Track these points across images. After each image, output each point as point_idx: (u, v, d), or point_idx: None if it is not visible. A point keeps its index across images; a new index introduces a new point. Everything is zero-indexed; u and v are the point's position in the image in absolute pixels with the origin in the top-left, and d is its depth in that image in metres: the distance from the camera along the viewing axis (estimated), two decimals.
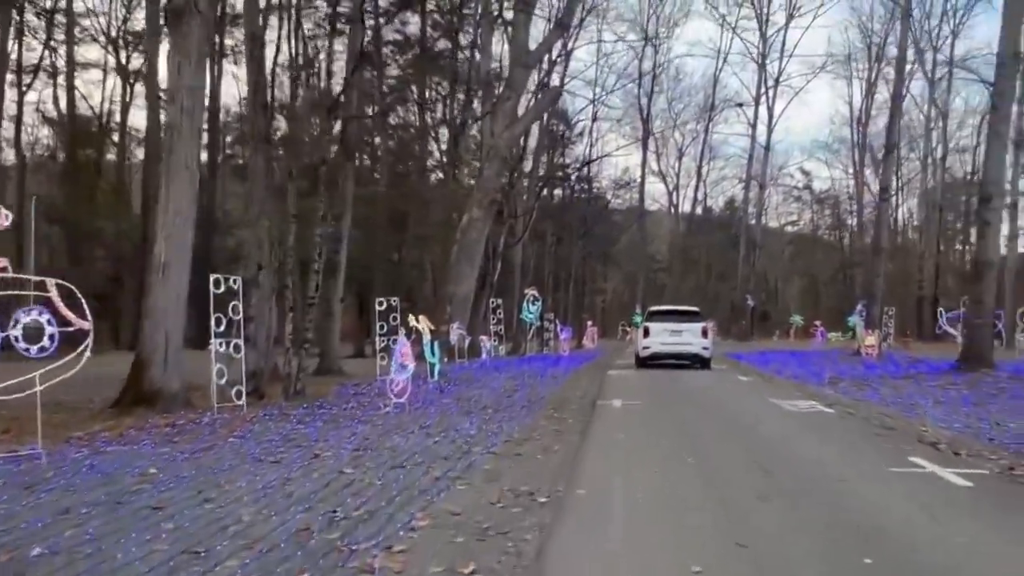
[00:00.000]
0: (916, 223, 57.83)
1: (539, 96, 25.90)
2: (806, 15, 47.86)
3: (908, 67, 30.69)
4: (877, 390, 13.37)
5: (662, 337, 20.14)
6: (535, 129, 35.77)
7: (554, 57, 26.97)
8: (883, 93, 52.41)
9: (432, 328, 15.15)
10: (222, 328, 10.06)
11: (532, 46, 23.11)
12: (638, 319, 49.00)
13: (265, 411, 10.16)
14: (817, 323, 40.81)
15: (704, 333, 20.37)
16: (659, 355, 20.15)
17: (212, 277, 10.08)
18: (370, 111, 25.09)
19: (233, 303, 10.27)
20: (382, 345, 14.55)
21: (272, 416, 9.68)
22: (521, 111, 22.66)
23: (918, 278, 46.74)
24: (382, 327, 17.86)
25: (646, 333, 20.56)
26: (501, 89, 22.20)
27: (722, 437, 8.19)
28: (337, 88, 20.74)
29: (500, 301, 26.34)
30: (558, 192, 54.06)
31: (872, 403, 11.38)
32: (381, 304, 16.71)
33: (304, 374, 13.18)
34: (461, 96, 27.48)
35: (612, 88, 39.38)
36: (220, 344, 10.19)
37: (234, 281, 10.49)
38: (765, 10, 47.81)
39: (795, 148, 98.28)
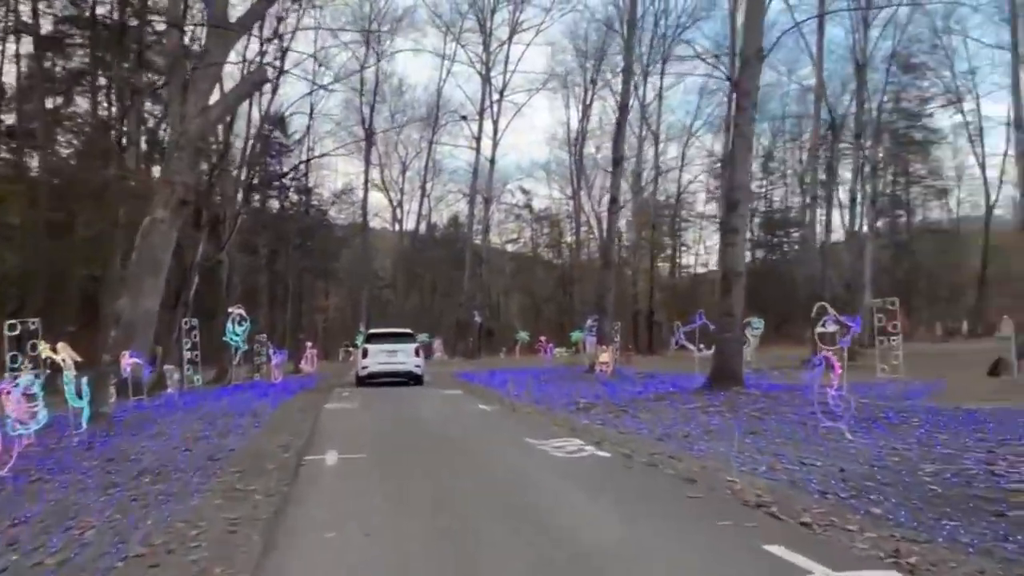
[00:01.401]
0: (626, 241, 60.94)
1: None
2: (529, 30, 47.44)
3: (634, 79, 30.94)
4: (637, 417, 11.64)
5: (379, 357, 21.46)
6: (243, 127, 31.70)
7: (266, 36, 23.36)
8: (605, 112, 54.49)
9: (78, 360, 11.23)
10: None
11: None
12: (361, 339, 46.26)
13: None
14: (543, 339, 40.51)
15: (417, 352, 21.92)
16: (376, 374, 21.29)
17: None
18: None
19: None
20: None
21: None
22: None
23: (632, 292, 48.43)
24: (15, 359, 13.54)
25: (364, 354, 21.85)
26: (193, 66, 18.27)
27: (487, 525, 5.54)
28: None
29: (196, 322, 22.11)
30: (275, 203, 49.89)
31: (644, 438, 9.46)
32: (14, 328, 12.51)
33: None
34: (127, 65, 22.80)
35: (331, 83, 36.06)
36: None
37: None
38: (489, 23, 47.29)
39: (515, 166, 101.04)
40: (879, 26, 31.93)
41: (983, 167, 52.45)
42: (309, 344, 37.52)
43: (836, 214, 34.70)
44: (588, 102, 53.71)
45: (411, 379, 21.22)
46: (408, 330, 24.00)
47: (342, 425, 11.72)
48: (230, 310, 25.03)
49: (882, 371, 16.68)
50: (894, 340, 16.57)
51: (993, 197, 53.08)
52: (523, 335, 44.55)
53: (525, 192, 63.69)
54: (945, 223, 60.69)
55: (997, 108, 75.15)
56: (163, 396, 17.33)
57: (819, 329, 14.29)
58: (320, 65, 31.75)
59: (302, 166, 42.09)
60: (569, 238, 61.17)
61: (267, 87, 32.74)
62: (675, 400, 13.21)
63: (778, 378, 18.96)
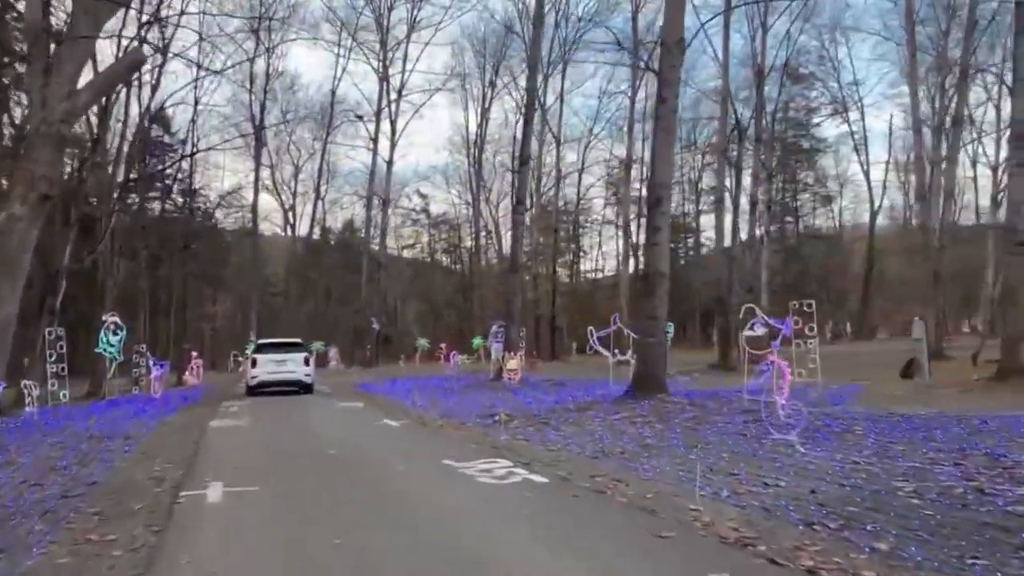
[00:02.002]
0: (527, 246, 60.37)
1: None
2: (427, 29, 46.16)
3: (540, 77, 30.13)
4: (561, 430, 10.67)
5: (268, 367, 21.67)
6: (121, 121, 29.20)
7: (146, 17, 21.33)
8: (505, 116, 53.79)
9: None
10: None
11: None
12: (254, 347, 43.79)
13: None
14: (443, 346, 39.29)
15: (306, 362, 22.23)
16: (266, 383, 21.47)
17: None
18: None
19: None
20: None
21: None
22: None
23: (534, 297, 47.79)
24: None
25: (254, 364, 21.97)
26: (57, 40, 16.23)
27: None
28: None
29: (63, 331, 19.91)
30: (158, 205, 46.79)
31: (577, 457, 8.47)
32: None
33: None
34: None
35: (219, 71, 33.75)
36: None
37: None
38: (386, 20, 45.72)
39: (413, 171, 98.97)
40: (773, 35, 32.31)
41: (867, 175, 54.52)
42: (194, 354, 35.16)
43: (730, 218, 34.89)
44: (487, 105, 52.97)
45: (301, 387, 21.79)
46: (298, 340, 24.22)
47: (230, 448, 10.25)
48: (104, 318, 22.83)
49: (799, 375, 16.31)
50: (811, 343, 16.22)
51: (877, 204, 55.15)
52: (423, 342, 43.20)
53: (423, 196, 62.38)
54: (828, 229, 62.95)
55: (880, 119, 78.54)
56: (20, 416, 15.30)
57: (747, 332, 13.83)
58: (206, 53, 29.51)
59: (185, 163, 39.26)
60: (469, 243, 60.14)
61: (148, 79, 30.44)
62: (598, 410, 12.30)
63: (690, 384, 18.45)
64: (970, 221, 51.34)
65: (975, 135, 41.75)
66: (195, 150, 36.99)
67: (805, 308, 16.66)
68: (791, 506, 5.63)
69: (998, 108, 42.88)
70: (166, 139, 49.42)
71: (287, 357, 21.92)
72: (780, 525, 5.17)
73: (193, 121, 38.62)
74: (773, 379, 8.70)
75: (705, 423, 10.54)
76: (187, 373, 31.96)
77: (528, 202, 28.07)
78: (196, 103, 38.01)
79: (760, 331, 12.45)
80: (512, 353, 21.38)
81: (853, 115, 53.68)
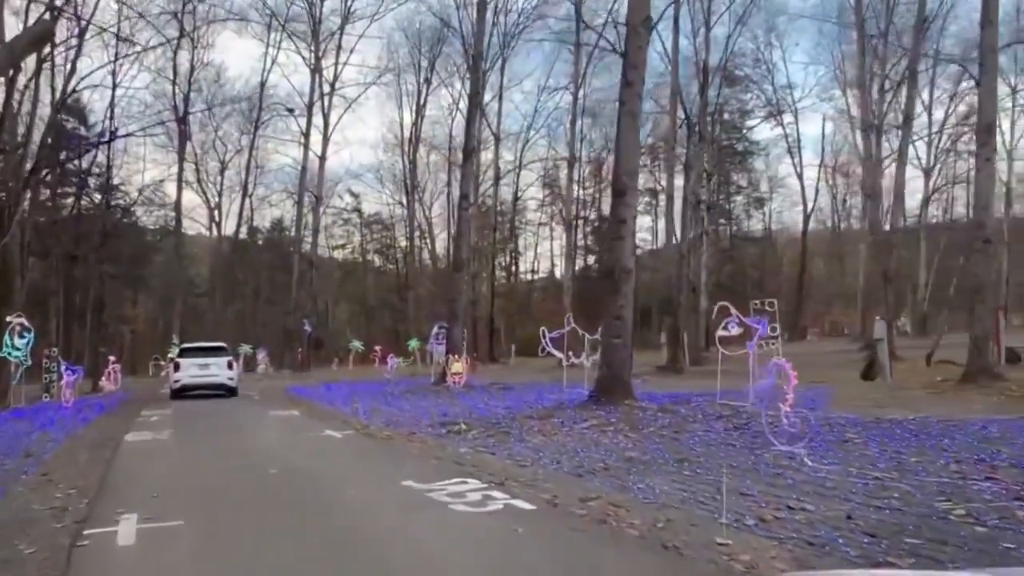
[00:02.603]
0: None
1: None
2: (361, 20, 44.50)
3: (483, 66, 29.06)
4: (527, 441, 9.62)
5: (191, 371, 21.64)
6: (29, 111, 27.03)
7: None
8: (441, 111, 52.44)
9: None
10: None
11: None
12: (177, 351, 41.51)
13: None
14: (378, 348, 37.92)
15: (230, 366, 22.36)
16: (189, 387, 21.45)
17: None
18: None
19: None
20: None
21: None
22: None
23: (471, 297, 46.62)
24: None
25: (176, 368, 22.02)
26: None
27: None
28: None
29: None
30: (73, 200, 43.99)
31: (555, 473, 7.43)
32: None
33: None
34: None
35: (140, 50, 31.62)
36: None
37: None
38: (319, 10, 43.85)
39: (345, 169, 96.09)
40: (714, 37, 31.93)
41: (801, 177, 55.07)
42: (112, 359, 32.88)
43: (677, 218, 34.45)
44: (423, 102, 51.52)
45: (226, 391, 21.72)
46: (221, 344, 24.35)
47: (148, 468, 8.88)
48: (9, 319, 20.88)
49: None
50: (773, 344, 15.55)
51: (810, 206, 55.80)
52: (357, 344, 41.61)
53: (354, 196, 60.45)
54: (759, 232, 63.55)
55: (812, 123, 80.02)
56: None
57: (721, 332, 13.04)
58: (126, 38, 27.55)
59: (102, 156, 36.95)
60: (403, 243, 58.56)
61: (62, 62, 28.34)
62: (562, 417, 11.29)
63: (642, 387, 17.61)
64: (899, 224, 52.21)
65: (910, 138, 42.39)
66: (112, 136, 34.53)
67: (767, 307, 16.01)
68: (837, 537, 4.70)
69: (930, 111, 43.75)
70: (83, 131, 46.78)
71: (211, 361, 22.01)
72: (838, 562, 4.23)
73: (112, 107, 36.20)
74: (776, 381, 7.78)
75: (684, 431, 9.65)
76: (104, 379, 29.80)
77: (471, 197, 26.88)
78: (114, 87, 35.60)
79: (735, 331, 11.65)
80: (456, 356, 20.24)
81: (787, 118, 54.12)
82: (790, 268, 60.25)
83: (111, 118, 37.79)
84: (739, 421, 10.16)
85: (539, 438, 9.75)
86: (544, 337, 16.70)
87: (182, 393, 21.40)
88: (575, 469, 7.57)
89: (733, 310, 11.32)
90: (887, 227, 30.83)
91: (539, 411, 12.19)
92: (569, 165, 36.37)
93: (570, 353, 16.85)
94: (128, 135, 34.78)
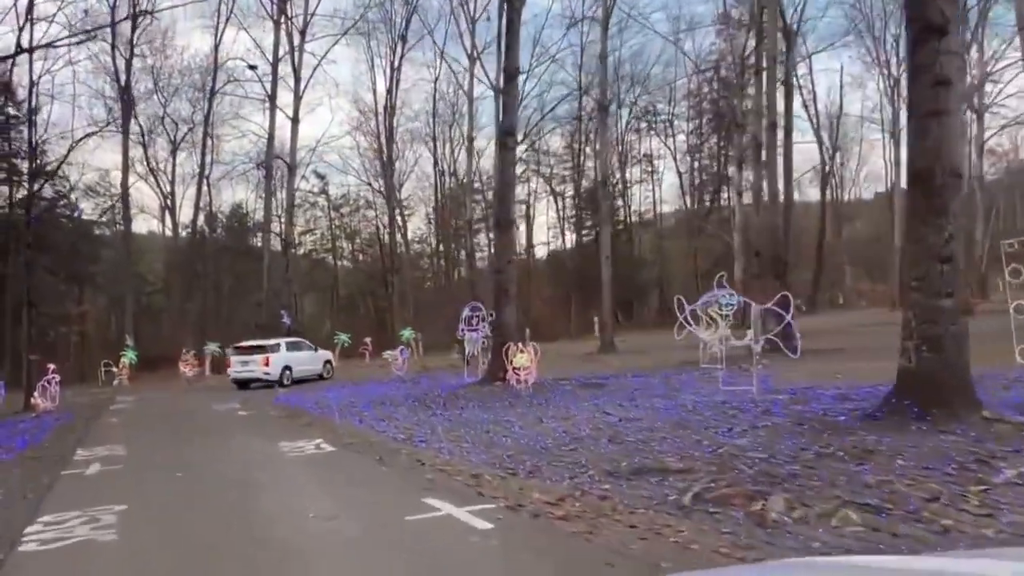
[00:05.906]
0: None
1: None
2: None
3: None
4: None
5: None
6: None
7: None
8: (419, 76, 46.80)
9: None
10: None
11: None
12: (131, 355, 35.37)
13: None
14: (367, 341, 32.67)
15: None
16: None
17: None
18: None
19: None
20: None
21: None
22: None
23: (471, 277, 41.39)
24: None
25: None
26: None
27: None
28: None
29: None
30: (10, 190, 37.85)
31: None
32: None
33: None
34: None
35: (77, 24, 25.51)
36: None
37: None
38: None
39: (307, 149, 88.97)
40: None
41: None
42: (51, 367, 26.62)
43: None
44: (397, 64, 45.54)
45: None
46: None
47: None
48: None
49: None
50: None
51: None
52: (343, 337, 35.91)
53: (320, 177, 54.18)
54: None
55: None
56: None
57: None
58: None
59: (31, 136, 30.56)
60: (383, 223, 52.70)
61: None
62: (880, 450, 5.98)
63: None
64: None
65: None
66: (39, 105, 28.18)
67: None
68: None
69: None
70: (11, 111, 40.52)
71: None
72: None
73: (34, 82, 29.59)
74: None
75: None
76: (39, 395, 23.67)
77: (517, 133, 21.17)
78: (32, 48, 29.08)
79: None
80: (519, 346, 14.77)
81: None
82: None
83: (34, 88, 31.00)
84: None
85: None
86: (681, 309, 11.26)
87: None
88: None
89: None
90: None
91: (811, 426, 6.78)
92: (601, 109, 30.10)
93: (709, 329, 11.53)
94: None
